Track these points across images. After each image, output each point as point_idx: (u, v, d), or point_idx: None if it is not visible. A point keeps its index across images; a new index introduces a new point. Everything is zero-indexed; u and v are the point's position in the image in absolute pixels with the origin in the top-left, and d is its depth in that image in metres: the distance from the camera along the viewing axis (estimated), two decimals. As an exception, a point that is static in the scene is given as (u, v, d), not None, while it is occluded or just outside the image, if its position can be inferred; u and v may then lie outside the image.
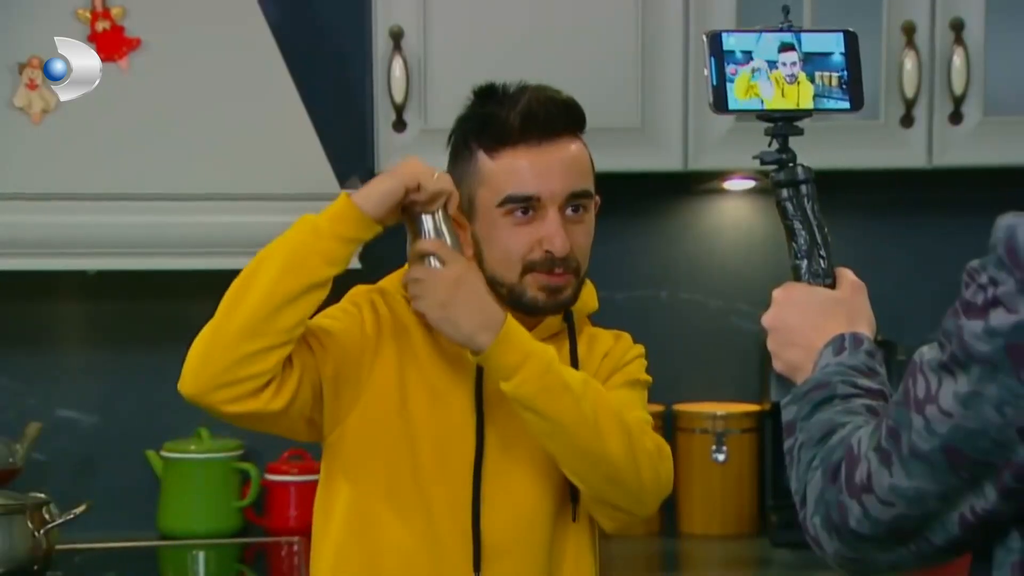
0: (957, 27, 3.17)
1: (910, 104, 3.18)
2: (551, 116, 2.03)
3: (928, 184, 3.46)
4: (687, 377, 3.48)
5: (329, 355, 2.00)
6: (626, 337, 2.18)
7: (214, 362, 1.92)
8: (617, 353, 2.14)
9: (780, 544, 3.26)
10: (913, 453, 1.36)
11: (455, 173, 2.08)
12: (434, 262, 1.98)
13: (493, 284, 2.05)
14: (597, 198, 2.11)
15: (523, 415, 1.96)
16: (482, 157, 2.05)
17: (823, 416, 1.51)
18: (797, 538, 3.28)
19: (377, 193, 1.95)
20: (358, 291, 2.08)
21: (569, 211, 2.04)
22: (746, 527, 3.39)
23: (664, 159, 3.19)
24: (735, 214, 3.55)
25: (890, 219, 3.54)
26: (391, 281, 2.12)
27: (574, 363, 2.09)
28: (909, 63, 3.17)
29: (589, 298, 2.16)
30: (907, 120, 3.19)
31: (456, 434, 2.04)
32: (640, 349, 2.17)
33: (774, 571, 3.22)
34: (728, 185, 3.50)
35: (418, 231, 2.00)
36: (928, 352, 1.38)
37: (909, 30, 3.17)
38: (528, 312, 2.05)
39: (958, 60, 3.17)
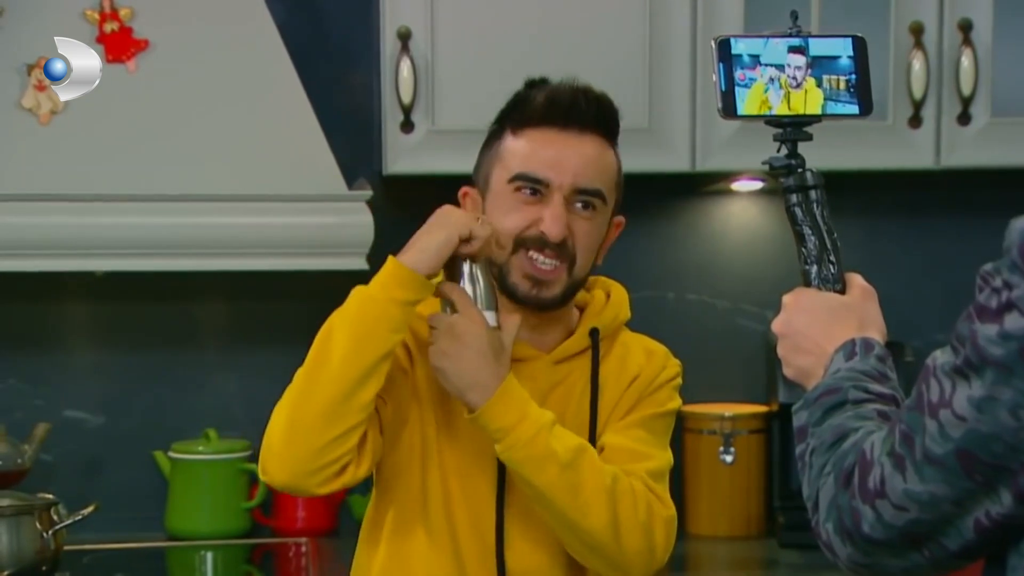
0: (965, 28, 3.16)
1: (918, 105, 3.17)
2: (576, 104, 2.02)
3: (936, 185, 3.46)
4: (694, 378, 3.44)
5: (386, 398, 1.99)
6: (659, 355, 2.13)
7: (299, 450, 1.90)
8: (646, 378, 2.09)
9: (788, 545, 3.26)
10: (927, 457, 1.35)
11: (480, 159, 2.09)
12: (448, 309, 1.96)
13: (489, 261, 2.02)
14: (621, 218, 2.10)
15: (513, 475, 1.96)
16: (507, 135, 2.05)
17: (835, 421, 1.50)
18: (805, 539, 3.30)
19: (433, 248, 1.92)
20: None
21: (578, 206, 2.02)
22: (754, 528, 3.39)
23: (672, 160, 3.19)
24: (742, 215, 3.55)
25: (898, 220, 3.54)
26: None
27: (594, 386, 2.07)
28: (917, 64, 3.16)
29: (621, 308, 2.13)
30: (915, 121, 3.19)
31: (479, 458, 2.02)
32: (674, 370, 2.13)
33: (781, 572, 3.22)
34: (735, 186, 3.49)
35: (454, 274, 1.97)
36: (941, 356, 1.38)
37: (917, 31, 3.16)
38: (510, 298, 2.03)
39: (966, 61, 3.16)
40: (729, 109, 1.68)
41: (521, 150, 2.02)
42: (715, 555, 3.31)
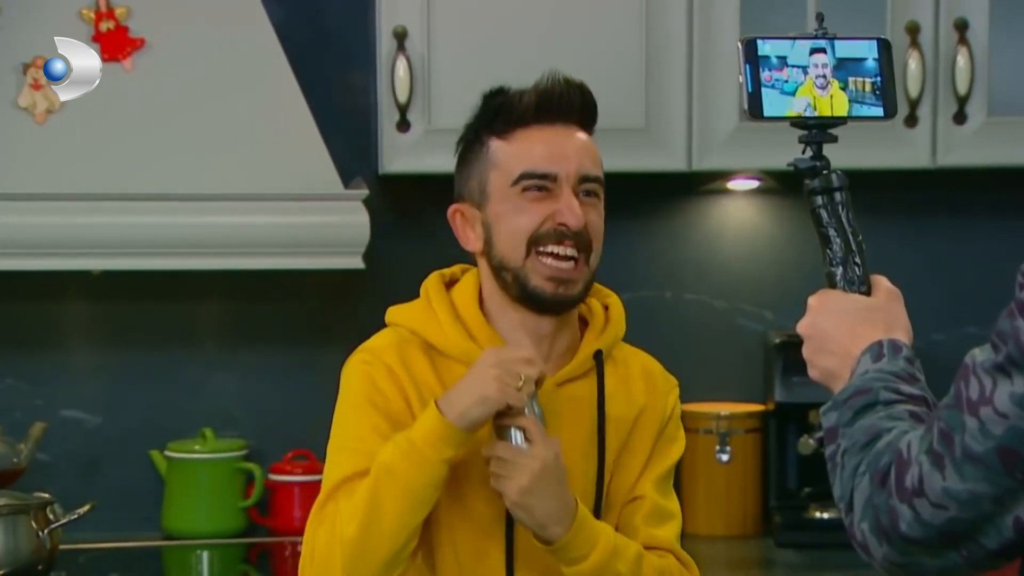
0: (961, 27, 3.16)
1: (914, 104, 3.17)
2: (566, 97, 2.02)
3: (932, 184, 3.46)
4: (691, 377, 3.44)
5: None
6: (659, 379, 2.14)
7: None
8: (656, 414, 2.10)
9: (784, 544, 3.26)
10: (967, 455, 1.35)
11: (464, 174, 2.07)
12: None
13: (501, 270, 2.02)
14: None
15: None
16: (494, 143, 2.03)
17: (866, 422, 1.49)
18: (801, 539, 3.32)
19: (472, 417, 1.90)
20: (367, 372, 2.02)
21: (582, 195, 2.02)
22: (750, 527, 3.38)
23: (668, 159, 3.19)
24: (739, 214, 3.55)
25: (894, 219, 3.53)
26: (385, 343, 2.06)
27: (601, 411, 2.05)
28: (913, 63, 3.16)
29: (620, 325, 2.11)
30: (911, 120, 3.18)
31: (490, 527, 2.00)
32: (675, 394, 2.15)
33: (778, 571, 3.22)
34: (732, 185, 3.49)
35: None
36: (980, 354, 1.37)
37: (913, 30, 3.16)
38: (534, 304, 2.01)
39: (962, 60, 3.16)
40: (755, 110, 1.67)
41: (519, 151, 2.01)
42: (711, 554, 3.30)
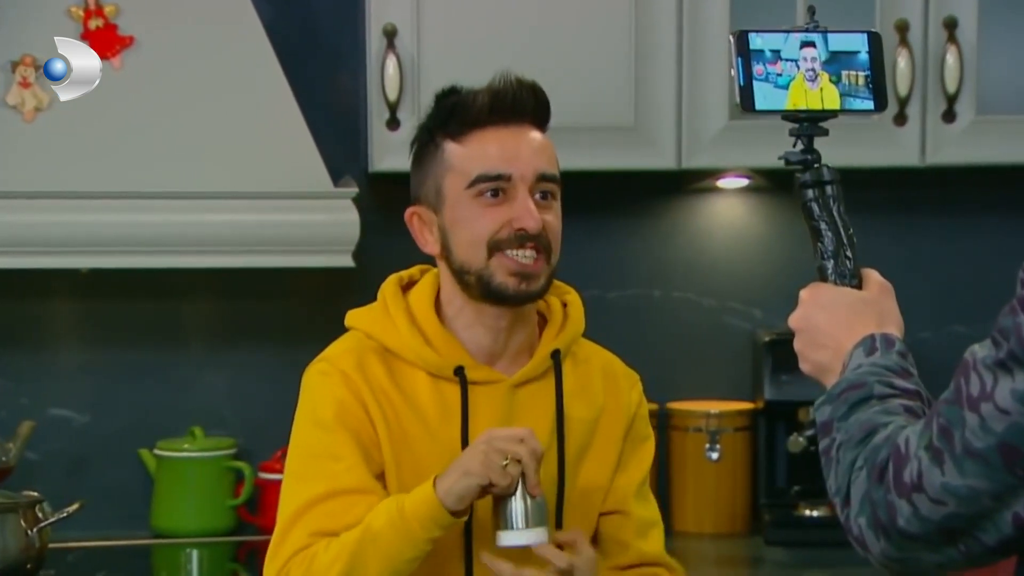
0: (950, 25, 3.17)
1: (903, 102, 3.18)
2: (519, 98, 2.01)
3: (921, 183, 3.46)
4: (680, 375, 3.48)
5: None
6: (620, 379, 2.14)
7: None
8: (619, 412, 2.11)
9: (773, 542, 3.26)
10: (967, 451, 1.35)
11: (419, 176, 2.06)
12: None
13: (462, 273, 2.01)
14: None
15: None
16: (449, 145, 2.02)
17: (862, 416, 1.49)
18: (790, 537, 3.32)
19: (458, 491, 1.89)
20: (325, 384, 2.02)
21: (538, 196, 2.01)
22: (739, 525, 3.39)
23: (657, 158, 3.19)
24: (728, 213, 3.55)
25: (883, 217, 3.54)
26: (343, 349, 2.06)
27: (559, 409, 2.05)
28: (902, 61, 3.17)
29: (579, 323, 2.11)
30: (900, 118, 3.19)
31: (448, 554, 2.00)
32: (639, 391, 2.15)
33: (767, 569, 3.22)
34: (721, 184, 3.50)
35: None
36: (981, 350, 1.37)
37: (902, 28, 3.17)
38: (497, 300, 2.01)
39: (951, 58, 3.17)
40: (747, 103, 1.68)
41: (473, 153, 2.00)
42: (701, 552, 3.31)
